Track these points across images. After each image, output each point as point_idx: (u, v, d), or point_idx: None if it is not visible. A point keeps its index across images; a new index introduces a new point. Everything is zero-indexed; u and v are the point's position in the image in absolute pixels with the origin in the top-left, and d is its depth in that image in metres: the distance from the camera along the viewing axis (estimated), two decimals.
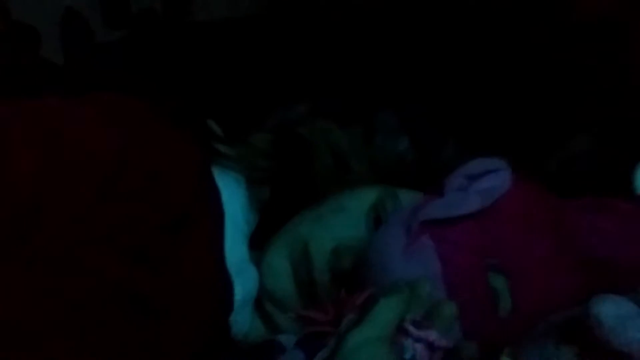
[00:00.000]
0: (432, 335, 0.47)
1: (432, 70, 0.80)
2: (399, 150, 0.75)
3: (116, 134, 0.56)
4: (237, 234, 0.63)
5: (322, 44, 0.91)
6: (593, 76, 0.77)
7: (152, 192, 0.56)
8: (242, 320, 0.65)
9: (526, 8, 0.82)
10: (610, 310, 0.45)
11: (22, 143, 0.54)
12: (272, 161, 0.70)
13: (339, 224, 0.66)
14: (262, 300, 0.66)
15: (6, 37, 1.07)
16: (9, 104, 0.58)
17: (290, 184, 0.70)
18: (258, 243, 0.67)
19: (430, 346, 0.47)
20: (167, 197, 0.57)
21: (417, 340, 0.47)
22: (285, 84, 0.86)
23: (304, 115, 0.77)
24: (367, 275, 0.59)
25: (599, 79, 0.77)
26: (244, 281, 0.63)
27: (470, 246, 0.56)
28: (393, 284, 0.48)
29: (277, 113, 0.77)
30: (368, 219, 0.66)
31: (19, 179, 0.52)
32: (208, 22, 1.09)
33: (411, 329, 0.47)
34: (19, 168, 0.52)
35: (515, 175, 0.60)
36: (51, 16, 1.12)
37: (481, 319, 0.55)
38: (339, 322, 0.47)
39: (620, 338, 0.45)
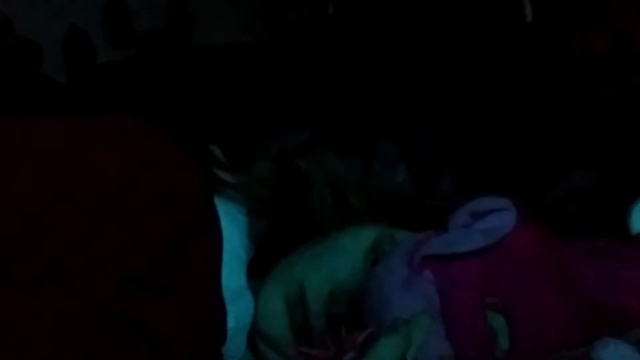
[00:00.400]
0: None
1: (434, 101, 0.81)
2: (397, 181, 0.75)
3: (119, 156, 0.56)
4: (235, 260, 0.63)
5: (324, 70, 0.92)
6: (595, 112, 0.77)
7: (154, 216, 0.56)
8: (234, 348, 0.64)
9: (526, 42, 0.83)
10: (612, 355, 0.45)
11: (22, 163, 0.54)
12: (273, 192, 0.70)
13: (336, 266, 0.64)
14: (254, 339, 0.66)
15: (8, 53, 1.07)
16: (12, 122, 0.58)
17: (287, 217, 0.70)
18: (254, 273, 0.66)
19: None
20: (169, 221, 0.57)
21: None
22: (286, 108, 0.86)
23: (304, 142, 0.77)
24: (366, 307, 0.59)
25: (601, 115, 0.77)
26: (237, 309, 0.63)
27: (471, 284, 0.56)
28: (393, 323, 0.48)
29: (277, 139, 0.77)
30: (366, 262, 0.65)
31: (19, 199, 0.52)
32: (210, 46, 1.10)
33: None
34: (18, 188, 0.52)
35: (521, 217, 0.60)
36: (54, 34, 1.13)
37: (477, 357, 0.55)
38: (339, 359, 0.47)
39: None
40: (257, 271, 0.67)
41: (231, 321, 0.62)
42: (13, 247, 0.51)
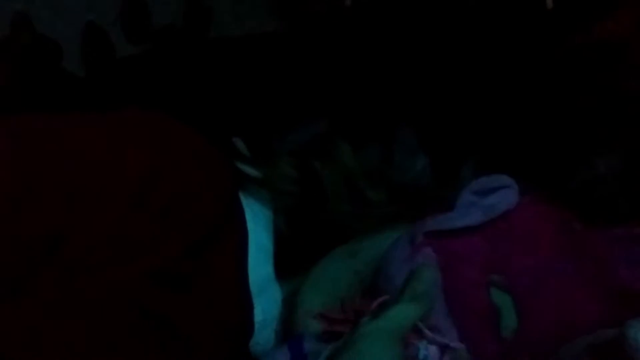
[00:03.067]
0: (446, 339, 0.48)
1: (454, 89, 0.80)
2: (417, 169, 0.75)
3: (145, 151, 0.56)
4: (261, 252, 0.63)
5: (341, 61, 0.92)
6: (619, 97, 0.76)
7: (179, 211, 0.56)
8: (263, 341, 0.64)
9: (548, 30, 0.82)
10: None
11: (46, 160, 0.54)
12: (296, 187, 0.69)
13: None
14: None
15: (29, 51, 1.08)
16: (35, 119, 0.58)
17: (306, 216, 0.69)
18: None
19: (443, 349, 0.48)
20: (194, 216, 0.57)
21: (431, 342, 0.48)
22: (303, 100, 0.86)
23: (322, 134, 0.76)
24: (375, 285, 0.59)
25: (625, 99, 0.76)
26: (264, 301, 0.62)
27: (474, 260, 0.55)
28: (413, 291, 0.48)
29: (295, 132, 0.77)
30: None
31: (44, 196, 0.52)
32: (227, 38, 1.10)
33: (427, 331, 0.48)
34: (43, 186, 0.52)
35: (532, 197, 0.59)
36: (73, 30, 1.13)
37: (481, 335, 0.54)
38: (356, 323, 0.48)
39: None
40: (276, 269, 0.67)
41: (258, 314, 0.62)
42: (40, 245, 0.51)
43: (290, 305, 0.63)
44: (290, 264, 0.67)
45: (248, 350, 0.63)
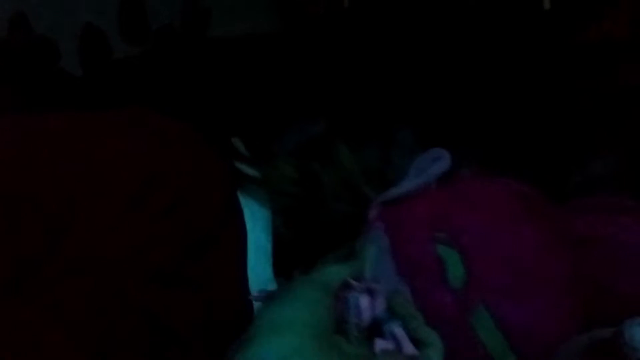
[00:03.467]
0: (373, 284, 0.52)
1: (452, 89, 0.80)
2: None
3: (142, 151, 0.56)
4: (260, 252, 0.62)
5: (339, 62, 0.92)
6: (616, 97, 0.77)
7: (178, 211, 0.56)
8: None
9: (545, 31, 0.82)
10: None
11: (43, 160, 0.54)
12: (296, 188, 0.69)
13: None
14: None
15: (26, 51, 1.08)
16: (31, 119, 0.58)
17: (304, 217, 0.69)
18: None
19: (372, 294, 0.51)
20: (192, 216, 0.57)
21: (360, 291, 0.51)
22: (302, 100, 0.86)
23: (320, 134, 0.76)
24: None
25: (622, 99, 0.77)
26: None
27: (417, 220, 0.58)
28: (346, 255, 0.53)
29: (293, 132, 0.77)
30: None
31: (41, 196, 0.52)
32: (225, 38, 1.10)
33: (354, 283, 0.52)
34: (40, 186, 0.52)
35: (492, 175, 0.63)
36: (71, 31, 1.13)
37: (431, 288, 0.56)
38: None
39: None
40: (274, 269, 0.66)
41: None
42: (39, 245, 0.51)
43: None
44: (288, 264, 0.67)
45: None
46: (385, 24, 0.94)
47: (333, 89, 0.86)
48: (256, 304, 0.61)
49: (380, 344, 0.49)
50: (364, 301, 0.50)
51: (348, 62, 0.90)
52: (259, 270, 0.62)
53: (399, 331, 0.50)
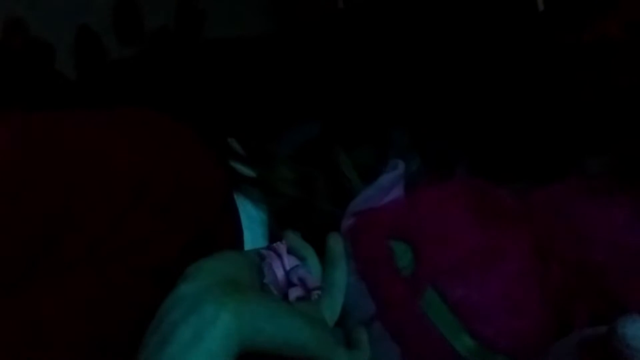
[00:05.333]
0: (278, 245, 0.55)
1: (446, 91, 0.80)
2: (411, 170, 0.75)
3: (140, 148, 0.56)
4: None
5: (333, 63, 0.92)
6: (611, 96, 0.77)
7: (175, 209, 0.56)
8: None
9: (539, 31, 0.83)
10: (638, 331, 0.44)
11: (42, 158, 0.54)
12: (293, 189, 0.69)
13: None
14: None
15: (22, 53, 1.08)
16: (30, 118, 0.58)
17: (299, 220, 0.69)
18: None
19: (280, 255, 0.55)
20: (189, 214, 0.57)
21: (270, 258, 0.54)
22: (296, 102, 0.86)
23: (315, 136, 0.76)
24: None
25: (617, 99, 0.77)
26: None
27: (374, 222, 0.60)
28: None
29: (288, 134, 0.77)
30: None
31: (41, 194, 0.52)
32: (220, 40, 1.10)
33: (263, 251, 0.55)
34: (40, 184, 0.52)
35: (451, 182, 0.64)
36: (66, 34, 1.13)
37: (384, 279, 0.57)
38: None
39: None
40: None
41: None
42: (38, 243, 0.51)
43: None
44: None
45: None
46: (380, 25, 0.94)
47: (328, 90, 0.87)
48: None
49: (292, 293, 0.53)
50: (275, 263, 0.54)
51: (343, 63, 0.91)
52: None
53: (301, 272, 0.54)
